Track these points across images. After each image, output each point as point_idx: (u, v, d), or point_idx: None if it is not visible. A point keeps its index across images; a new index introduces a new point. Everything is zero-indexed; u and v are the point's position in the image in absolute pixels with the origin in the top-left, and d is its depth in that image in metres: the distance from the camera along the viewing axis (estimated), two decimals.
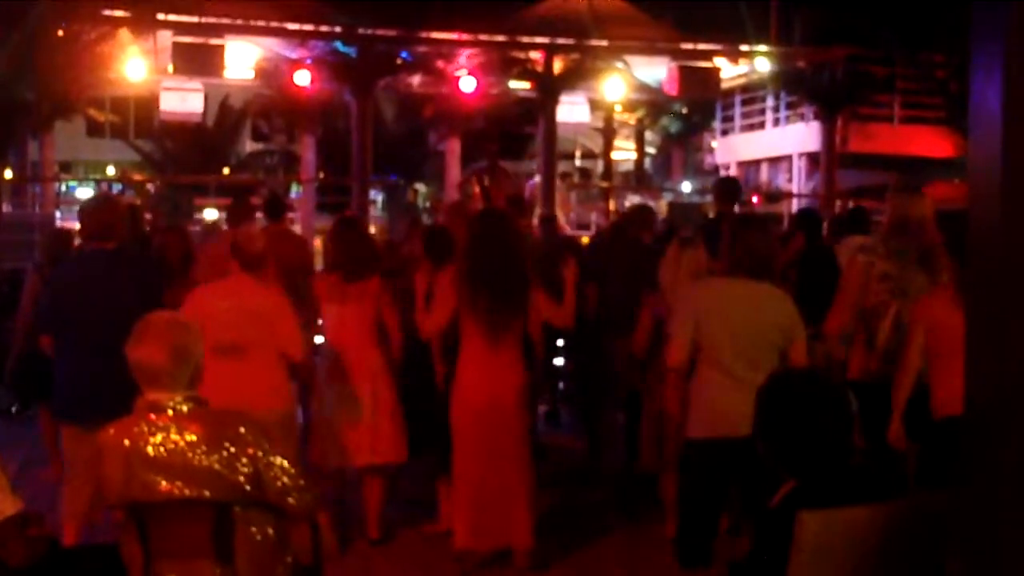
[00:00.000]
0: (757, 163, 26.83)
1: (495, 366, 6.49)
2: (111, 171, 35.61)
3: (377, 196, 24.83)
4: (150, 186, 23.49)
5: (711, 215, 10.06)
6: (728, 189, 9.71)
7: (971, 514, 2.54)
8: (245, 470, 3.94)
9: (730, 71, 21.73)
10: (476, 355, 6.51)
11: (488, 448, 6.48)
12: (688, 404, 5.77)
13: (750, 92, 25.39)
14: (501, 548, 6.66)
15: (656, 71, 20.60)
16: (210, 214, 19.27)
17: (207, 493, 3.93)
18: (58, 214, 18.31)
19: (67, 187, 27.65)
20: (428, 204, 27.76)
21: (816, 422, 3.44)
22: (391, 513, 7.58)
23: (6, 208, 17.56)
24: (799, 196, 23.75)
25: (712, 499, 5.81)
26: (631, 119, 29.29)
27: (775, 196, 24.77)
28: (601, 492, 8.55)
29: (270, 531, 4.08)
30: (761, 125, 26.28)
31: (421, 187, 26.84)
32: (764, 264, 5.70)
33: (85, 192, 29.05)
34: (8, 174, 19.17)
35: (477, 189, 16.05)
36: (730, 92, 24.83)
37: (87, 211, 6.75)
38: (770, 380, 3.69)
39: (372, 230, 16.11)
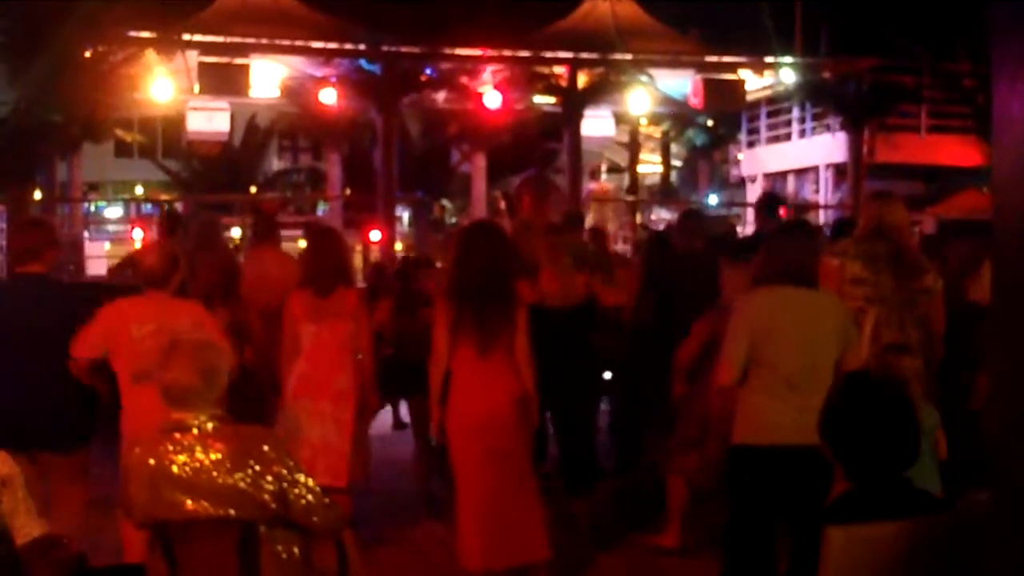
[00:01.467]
0: (783, 175, 26.71)
1: (487, 378, 6.32)
2: (139, 191, 35.80)
3: (403, 213, 24.88)
4: (178, 205, 23.60)
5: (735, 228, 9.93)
6: (769, 204, 9.59)
7: (1007, 527, 2.51)
8: (270, 488, 3.94)
9: (755, 83, 21.66)
10: (467, 369, 6.34)
11: (489, 462, 6.30)
12: (736, 411, 5.61)
13: (775, 104, 25.28)
14: (516, 566, 6.44)
15: (681, 84, 20.57)
16: (236, 233, 19.36)
17: (232, 512, 3.93)
18: (86, 234, 18.43)
19: (95, 207, 27.82)
20: (455, 220, 27.80)
21: (878, 428, 3.42)
22: (420, 530, 7.57)
23: None
24: (826, 208, 23.65)
25: (760, 509, 5.61)
26: (656, 132, 29.24)
27: (802, 208, 24.66)
28: (604, 502, 8.33)
29: (296, 550, 4.08)
30: (787, 136, 26.17)
31: (447, 203, 26.88)
32: (803, 271, 5.57)
33: (114, 212, 29.24)
34: (37, 195, 19.30)
35: (503, 204, 16.02)
36: (755, 104, 24.73)
37: (13, 234, 6.62)
38: (844, 380, 3.67)
39: (399, 247, 16.14)
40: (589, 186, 20.03)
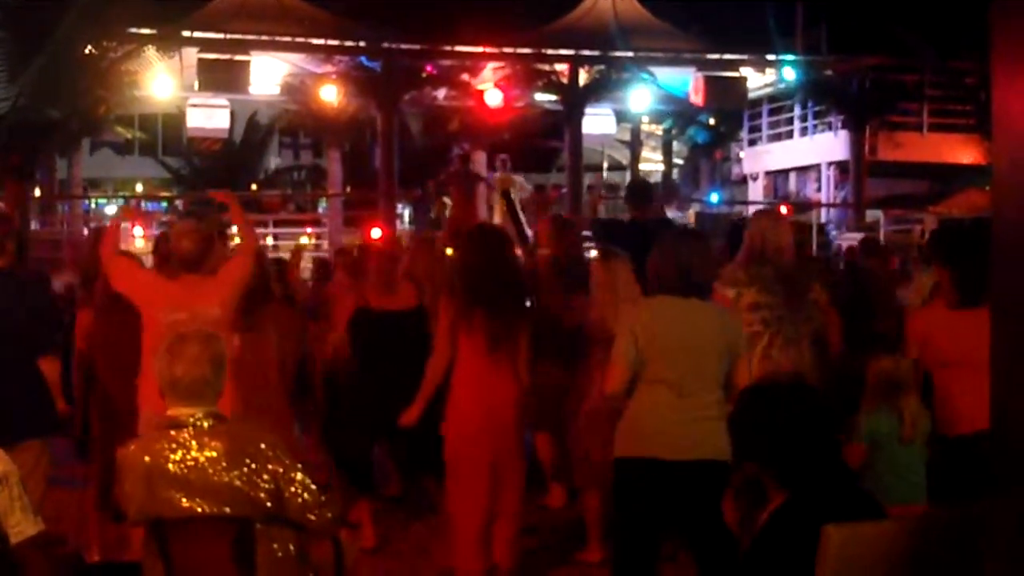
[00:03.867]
0: (785, 172, 26.73)
1: (492, 382, 6.29)
2: (139, 188, 35.80)
3: (404, 210, 24.86)
4: (178, 203, 23.62)
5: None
6: (638, 192, 9.49)
7: (1007, 525, 2.50)
8: (266, 486, 3.93)
9: (757, 81, 21.67)
10: (472, 372, 6.30)
11: (487, 465, 6.31)
12: (621, 422, 5.40)
13: (777, 101, 25.32)
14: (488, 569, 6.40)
15: (682, 81, 20.57)
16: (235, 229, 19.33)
17: (228, 510, 3.92)
18: (86, 231, 18.44)
19: (95, 204, 27.82)
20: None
21: (799, 427, 3.40)
22: (415, 531, 7.54)
23: (34, 226, 17.66)
24: (828, 206, 23.65)
25: (645, 522, 5.38)
26: (658, 130, 29.24)
27: (804, 206, 24.67)
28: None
29: (291, 547, 4.06)
30: (789, 135, 26.18)
31: (447, 201, 26.89)
32: (692, 280, 5.36)
33: (114, 210, 29.25)
34: (36, 192, 19.30)
35: (505, 206, 15.89)
36: (757, 102, 24.77)
37: None
38: (746, 393, 3.65)
39: (402, 243, 16.06)
40: (493, 175, 19.60)
